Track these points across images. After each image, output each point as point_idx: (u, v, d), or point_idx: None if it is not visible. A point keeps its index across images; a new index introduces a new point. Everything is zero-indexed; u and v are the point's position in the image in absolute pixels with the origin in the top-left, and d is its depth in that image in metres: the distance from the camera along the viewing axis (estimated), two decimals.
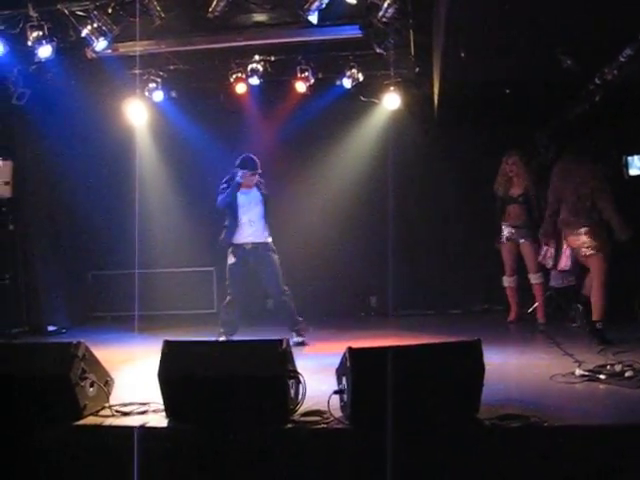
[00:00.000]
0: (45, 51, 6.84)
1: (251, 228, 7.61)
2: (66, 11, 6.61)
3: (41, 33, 6.72)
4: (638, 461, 3.67)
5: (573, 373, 5.17)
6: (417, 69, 8.63)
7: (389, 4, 6.25)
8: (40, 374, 4.32)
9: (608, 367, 5.19)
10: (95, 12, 6.54)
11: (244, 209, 7.63)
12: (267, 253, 7.62)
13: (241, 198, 7.63)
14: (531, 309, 8.65)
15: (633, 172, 6.75)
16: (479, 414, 4.09)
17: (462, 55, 6.77)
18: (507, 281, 8.55)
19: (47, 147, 8.99)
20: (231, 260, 7.57)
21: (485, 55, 7.05)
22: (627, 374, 4.96)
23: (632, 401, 4.54)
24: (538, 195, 8.34)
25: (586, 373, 5.12)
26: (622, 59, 6.37)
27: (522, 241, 8.33)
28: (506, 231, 8.44)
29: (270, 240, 7.75)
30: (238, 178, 7.50)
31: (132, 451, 4.00)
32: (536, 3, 5.58)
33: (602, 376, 5.01)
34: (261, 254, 7.59)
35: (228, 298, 7.60)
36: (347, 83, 8.64)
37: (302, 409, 4.27)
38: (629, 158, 6.75)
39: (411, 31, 7.33)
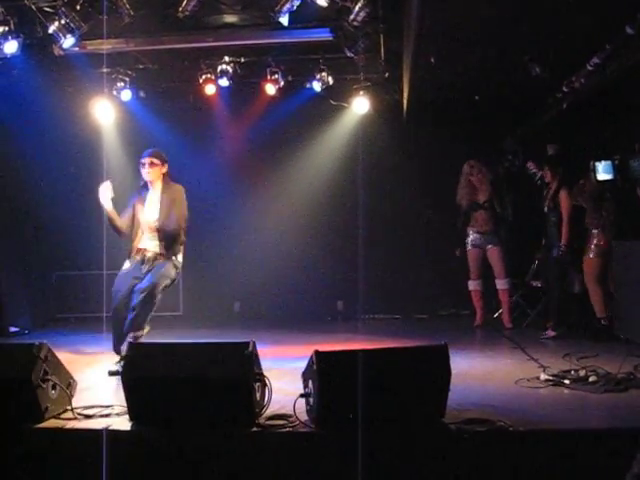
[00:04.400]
0: (11, 47, 6.72)
1: None
2: (33, 7, 6.50)
3: (7, 28, 6.60)
4: (602, 465, 3.70)
5: (538, 378, 5.22)
6: (387, 74, 8.67)
7: (360, 8, 6.26)
8: (0, 375, 4.23)
9: (572, 372, 5.24)
10: (63, 8, 6.44)
11: None
12: None
13: None
14: (497, 314, 8.73)
15: (601, 177, 6.85)
16: (445, 418, 4.10)
17: (432, 61, 6.82)
18: (472, 285, 8.61)
19: (12, 144, 8.84)
20: None
21: (455, 61, 7.11)
22: (591, 379, 5.01)
23: (596, 406, 4.59)
24: (504, 200, 8.44)
25: (551, 378, 5.16)
26: (589, 67, 6.46)
27: (489, 247, 8.40)
28: (472, 237, 8.50)
29: None
30: None
31: (94, 455, 3.93)
32: (505, 12, 5.64)
33: (566, 381, 5.06)
34: None
35: None
36: (317, 86, 8.63)
37: (268, 412, 4.24)
38: (597, 164, 6.84)
39: (381, 35, 7.35)
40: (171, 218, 6.32)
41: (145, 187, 6.55)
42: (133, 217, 6.42)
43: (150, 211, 6.42)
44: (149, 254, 6.32)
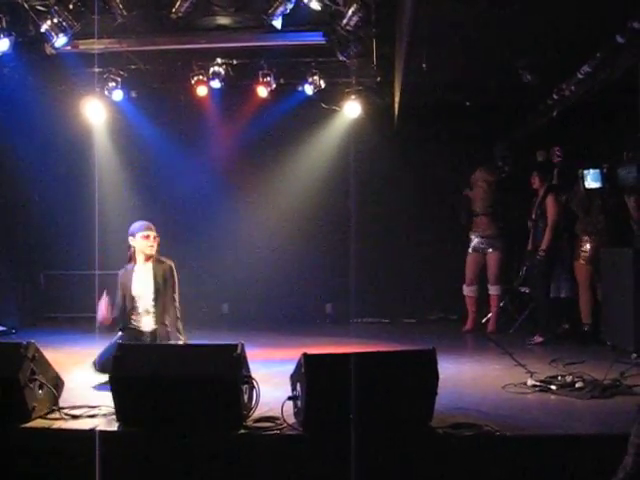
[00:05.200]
0: (2, 45, 6.69)
1: None
2: (26, 5, 6.48)
3: None
4: (588, 471, 3.72)
5: (525, 383, 5.24)
6: (378, 78, 8.68)
7: (353, 12, 6.26)
8: None
9: (559, 378, 5.27)
10: (55, 7, 6.41)
11: None
12: None
13: None
14: (485, 319, 8.75)
15: (589, 185, 6.89)
16: (432, 422, 4.11)
17: (424, 66, 6.83)
18: (466, 290, 8.65)
19: (1, 143, 8.79)
20: None
21: (446, 67, 7.13)
22: (577, 385, 5.04)
23: (582, 412, 4.61)
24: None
25: (538, 383, 5.19)
26: (580, 75, 6.49)
27: (490, 250, 8.46)
28: (475, 241, 8.54)
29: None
30: None
31: (81, 455, 3.92)
32: (497, 19, 5.66)
33: (553, 387, 5.08)
34: None
35: None
36: (309, 89, 8.63)
37: (255, 415, 4.24)
38: (586, 172, 6.88)
39: (374, 40, 7.37)
40: (169, 301, 5.76)
41: (130, 262, 5.91)
42: (124, 297, 5.82)
43: (144, 293, 5.78)
44: (147, 332, 5.76)
